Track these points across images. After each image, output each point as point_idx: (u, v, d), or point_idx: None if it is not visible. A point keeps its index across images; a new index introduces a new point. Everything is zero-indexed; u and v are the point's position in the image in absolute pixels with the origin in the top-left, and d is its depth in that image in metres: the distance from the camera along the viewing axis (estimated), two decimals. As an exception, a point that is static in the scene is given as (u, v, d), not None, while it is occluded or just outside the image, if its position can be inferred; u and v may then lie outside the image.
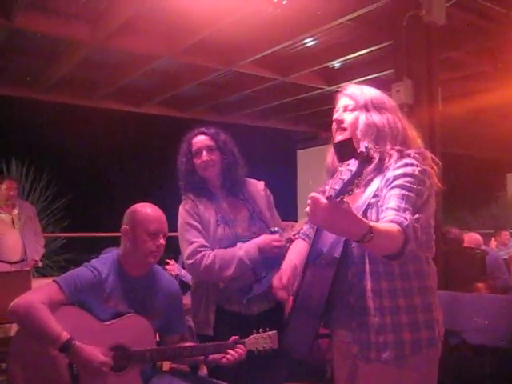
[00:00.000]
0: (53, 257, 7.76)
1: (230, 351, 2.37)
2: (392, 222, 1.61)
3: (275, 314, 2.51)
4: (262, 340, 2.45)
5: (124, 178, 9.17)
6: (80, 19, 4.25)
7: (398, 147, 1.81)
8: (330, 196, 1.43)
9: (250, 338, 2.42)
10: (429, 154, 1.84)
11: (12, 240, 5.28)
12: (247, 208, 2.67)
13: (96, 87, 6.00)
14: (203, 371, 3.27)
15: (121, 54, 5.02)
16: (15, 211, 5.35)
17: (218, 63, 5.10)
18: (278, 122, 7.87)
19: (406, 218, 1.60)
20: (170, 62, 5.14)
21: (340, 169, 1.61)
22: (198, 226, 2.61)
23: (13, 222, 5.33)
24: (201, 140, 2.65)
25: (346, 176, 1.51)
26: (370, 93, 1.93)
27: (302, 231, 2.31)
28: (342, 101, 1.93)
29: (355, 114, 1.88)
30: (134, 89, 6.09)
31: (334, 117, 1.93)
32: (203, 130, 2.70)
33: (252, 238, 2.55)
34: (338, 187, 1.50)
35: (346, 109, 1.91)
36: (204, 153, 2.62)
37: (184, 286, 4.42)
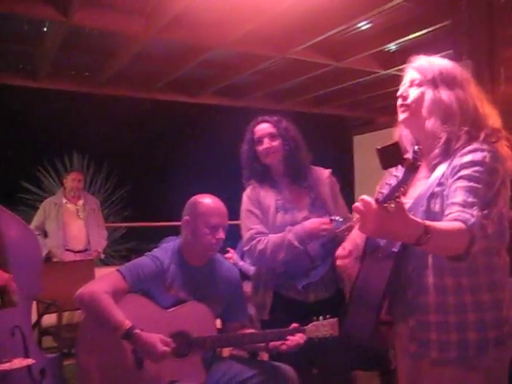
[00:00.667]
0: (114, 246, 8.01)
1: (289, 338, 2.39)
2: (456, 220, 1.48)
3: (333, 303, 2.51)
4: (323, 327, 2.45)
5: (183, 167, 9.31)
6: (134, 13, 4.32)
7: (466, 128, 1.65)
8: (377, 199, 1.34)
9: (310, 325, 2.43)
10: (503, 134, 1.68)
11: (76, 229, 5.51)
12: (309, 196, 2.69)
13: (152, 79, 6.10)
14: (263, 358, 3.30)
15: (175, 46, 5.08)
16: (80, 202, 5.58)
17: (271, 51, 5.08)
18: (333, 108, 7.77)
19: (472, 215, 1.47)
20: (224, 52, 5.16)
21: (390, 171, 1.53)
22: (258, 212, 2.66)
23: (78, 212, 5.54)
24: (263, 128, 2.72)
25: (393, 181, 1.43)
26: (439, 65, 1.77)
27: None
28: (409, 74, 1.80)
29: (422, 89, 1.74)
30: (189, 79, 6.15)
31: (399, 92, 1.79)
32: (266, 118, 2.76)
33: None
34: (385, 191, 1.43)
35: (412, 83, 1.77)
36: (266, 140, 2.68)
37: (242, 275, 4.48)
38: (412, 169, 1.39)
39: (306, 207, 2.67)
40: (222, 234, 2.50)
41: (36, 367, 2.02)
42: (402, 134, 1.85)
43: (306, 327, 2.43)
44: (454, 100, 1.69)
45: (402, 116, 1.78)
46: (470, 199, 1.51)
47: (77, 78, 5.96)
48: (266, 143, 2.67)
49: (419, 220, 1.40)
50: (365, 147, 8.34)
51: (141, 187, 8.98)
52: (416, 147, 1.41)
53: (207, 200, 2.56)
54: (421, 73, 1.77)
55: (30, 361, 1.98)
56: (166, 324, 2.39)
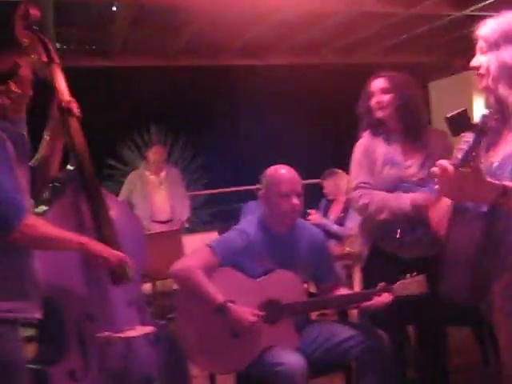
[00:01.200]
0: (197, 212, 8.28)
1: (377, 297, 2.43)
2: None
3: (428, 261, 2.50)
4: (410, 285, 2.47)
5: (257, 132, 9.38)
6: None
7: None
8: (453, 164, 1.42)
9: (397, 283, 2.46)
10: None
11: (161, 201, 5.75)
12: (421, 154, 2.72)
13: (222, 47, 6.11)
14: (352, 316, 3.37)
15: (242, 11, 5.05)
16: (163, 174, 5.79)
17: (338, 5, 4.96)
18: (406, 56, 7.50)
19: None
20: (292, 12, 5.09)
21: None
22: (366, 163, 2.75)
23: (161, 184, 5.76)
24: (376, 83, 2.79)
25: (465, 147, 1.46)
26: (502, 26, 1.73)
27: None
28: (478, 43, 1.79)
29: (487, 56, 1.74)
30: (259, 42, 6.09)
31: (471, 64, 1.81)
32: (382, 73, 2.82)
33: (418, 185, 2.63)
34: (459, 156, 1.46)
35: (481, 51, 1.78)
36: (377, 94, 2.75)
37: (328, 234, 4.54)
38: (481, 133, 1.43)
39: (416, 165, 2.70)
40: (295, 200, 2.56)
41: (151, 333, 2.21)
42: (489, 96, 1.83)
43: (392, 286, 2.45)
44: None
45: (481, 86, 1.80)
46: None
47: (146, 54, 6.07)
48: (377, 97, 2.73)
49: (497, 182, 1.44)
50: (441, 92, 8.05)
51: (219, 155, 9.16)
52: (485, 112, 1.46)
53: (275, 171, 2.65)
54: (484, 39, 1.76)
55: (150, 328, 2.18)
56: (257, 294, 2.49)
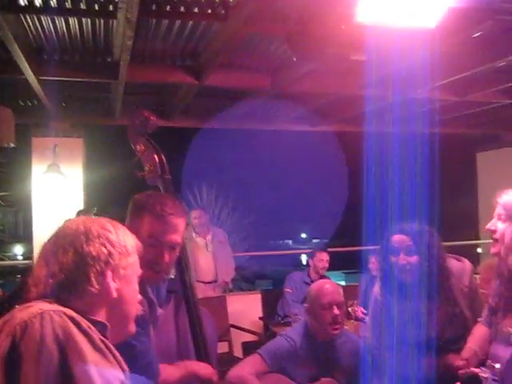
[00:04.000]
0: (240, 270, 8.46)
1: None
2: None
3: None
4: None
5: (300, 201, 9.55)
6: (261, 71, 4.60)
7: None
8: None
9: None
10: None
11: (205, 262, 5.92)
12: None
13: (277, 114, 6.33)
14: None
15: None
16: (209, 236, 5.96)
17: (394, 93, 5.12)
18: (457, 128, 7.58)
19: None
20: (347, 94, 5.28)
21: None
22: None
23: (206, 245, 5.93)
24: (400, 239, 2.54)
25: None
26: None
27: (483, 315, 2.36)
28: (497, 209, 1.94)
29: (506, 225, 1.88)
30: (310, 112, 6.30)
31: (487, 226, 1.95)
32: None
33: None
34: None
35: (499, 217, 1.92)
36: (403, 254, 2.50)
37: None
38: None
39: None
40: (336, 311, 2.73)
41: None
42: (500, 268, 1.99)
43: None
44: None
45: (493, 250, 1.94)
46: None
47: (204, 117, 6.36)
48: (401, 259, 2.50)
49: None
50: (489, 164, 8.08)
51: (262, 218, 9.37)
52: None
53: (317, 285, 2.95)
54: (504, 207, 1.89)
55: None
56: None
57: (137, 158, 2.34)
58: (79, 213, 4.72)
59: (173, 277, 2.26)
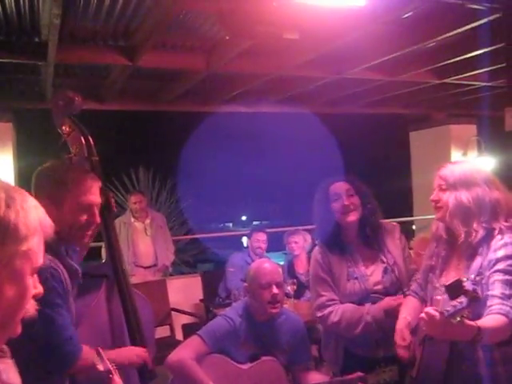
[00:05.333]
0: (179, 254, 8.39)
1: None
2: (498, 313, 1.82)
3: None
4: (383, 373, 2.65)
5: (243, 183, 9.60)
6: (196, 51, 4.52)
7: (484, 224, 2.00)
8: (442, 313, 1.69)
9: (372, 373, 2.62)
10: None
11: (144, 246, 5.84)
12: (382, 260, 2.68)
13: (214, 95, 6.28)
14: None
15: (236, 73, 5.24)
16: (147, 220, 5.88)
17: (327, 73, 5.18)
18: (389, 108, 7.77)
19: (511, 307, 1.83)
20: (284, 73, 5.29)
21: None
22: (328, 279, 2.69)
23: (145, 230, 5.85)
24: (340, 185, 2.66)
25: (453, 304, 1.71)
26: (459, 170, 2.10)
27: (411, 288, 2.46)
28: (437, 181, 2.15)
29: (447, 193, 2.09)
30: (250, 92, 6.26)
31: (431, 197, 2.16)
32: (346, 178, 2.73)
33: (382, 293, 2.63)
34: (449, 309, 1.71)
35: (440, 188, 2.12)
36: (344, 197, 2.62)
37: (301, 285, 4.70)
38: (474, 299, 1.70)
39: (378, 273, 2.66)
40: (275, 290, 2.74)
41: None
42: (439, 226, 2.22)
43: (367, 374, 2.58)
44: (472, 199, 2.02)
45: (436, 215, 2.16)
46: (508, 291, 1.86)
47: (139, 100, 6.22)
48: (346, 200, 2.60)
49: (474, 324, 1.72)
50: (421, 142, 8.34)
51: (202, 200, 9.34)
52: (472, 288, 1.80)
53: (256, 265, 2.94)
54: (444, 179, 2.11)
55: None
56: (244, 380, 2.64)
57: (63, 140, 2.28)
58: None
59: (104, 261, 2.24)
